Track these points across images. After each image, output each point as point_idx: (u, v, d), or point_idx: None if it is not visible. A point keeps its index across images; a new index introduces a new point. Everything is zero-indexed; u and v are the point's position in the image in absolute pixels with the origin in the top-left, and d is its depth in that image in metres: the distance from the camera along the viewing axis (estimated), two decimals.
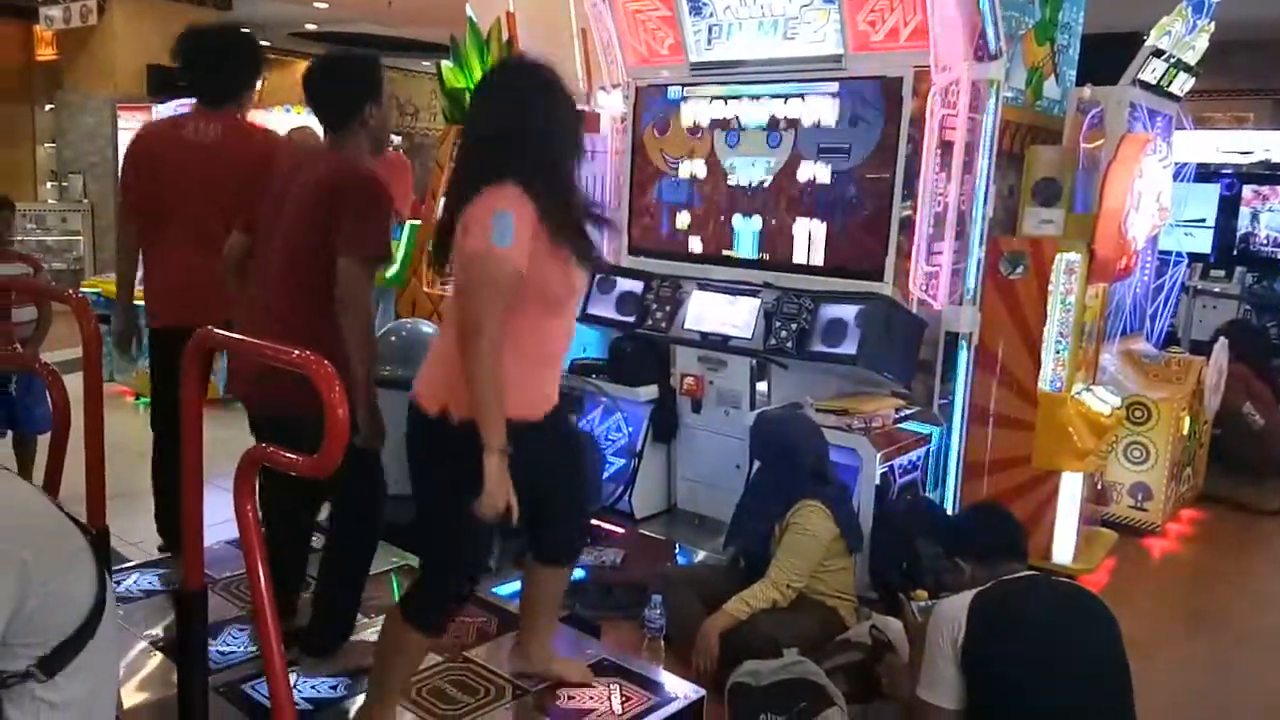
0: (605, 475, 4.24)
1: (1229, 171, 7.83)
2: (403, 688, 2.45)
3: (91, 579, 1.39)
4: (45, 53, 11.20)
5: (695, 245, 4.40)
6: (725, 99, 4.22)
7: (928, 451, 3.78)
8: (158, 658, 2.72)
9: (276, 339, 2.12)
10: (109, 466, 2.35)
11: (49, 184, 11.58)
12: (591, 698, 2.59)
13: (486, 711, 2.53)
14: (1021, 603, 2.32)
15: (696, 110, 4.31)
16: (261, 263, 2.65)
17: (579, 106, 2.36)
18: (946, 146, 3.63)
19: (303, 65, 15.00)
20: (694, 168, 4.35)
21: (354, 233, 2.47)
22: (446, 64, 5.16)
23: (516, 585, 3.53)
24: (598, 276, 4.51)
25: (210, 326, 2.06)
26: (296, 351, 1.81)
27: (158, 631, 2.84)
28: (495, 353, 2.07)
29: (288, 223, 2.56)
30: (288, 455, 1.81)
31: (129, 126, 9.40)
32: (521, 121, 2.19)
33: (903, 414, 3.79)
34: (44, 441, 3.19)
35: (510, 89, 2.27)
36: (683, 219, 4.43)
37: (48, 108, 11.77)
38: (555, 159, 2.23)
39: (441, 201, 2.31)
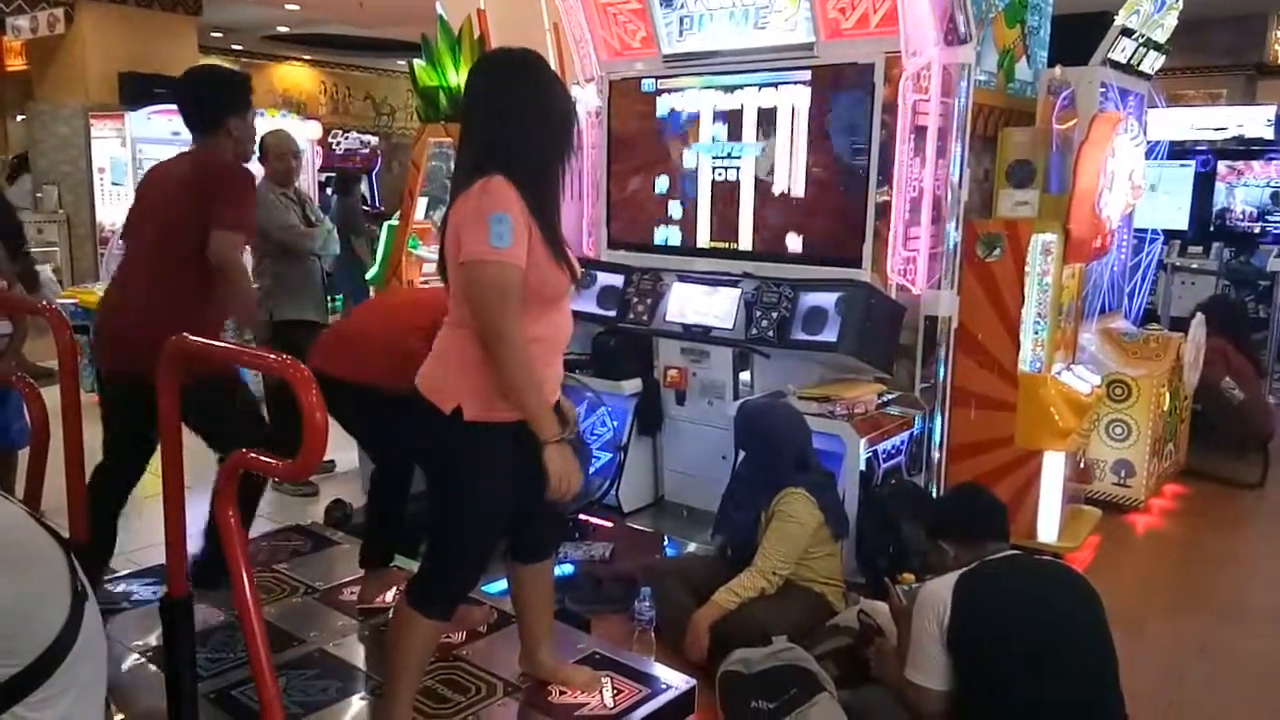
0: (592, 470, 4.25)
1: (1204, 148, 7.89)
2: (418, 680, 2.40)
3: (65, 593, 1.38)
4: (15, 63, 11.08)
5: (674, 237, 4.40)
6: (699, 90, 4.22)
7: (911, 436, 3.80)
8: (147, 667, 2.71)
9: (140, 322, 2.67)
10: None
11: None
12: (583, 692, 2.59)
13: (478, 709, 2.53)
14: (1005, 582, 2.34)
15: (671, 102, 4.32)
16: (132, 258, 3.06)
17: (571, 99, 2.35)
18: (920, 131, 3.64)
19: (276, 69, 15.01)
20: (669, 159, 4.36)
21: (226, 211, 2.83)
22: (419, 63, 5.13)
23: (505, 583, 3.55)
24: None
25: None
26: (273, 356, 1.81)
27: (146, 641, 2.83)
28: (524, 353, 2.10)
29: (158, 215, 2.94)
30: (266, 460, 1.80)
31: (102, 135, 9.32)
32: (506, 113, 2.16)
33: (885, 399, 3.80)
34: (25, 455, 3.17)
35: (494, 81, 2.23)
36: (660, 211, 4.43)
37: (19, 118, 11.65)
38: (543, 152, 2.20)
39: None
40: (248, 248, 3.45)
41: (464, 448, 2.20)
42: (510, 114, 2.17)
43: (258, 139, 3.31)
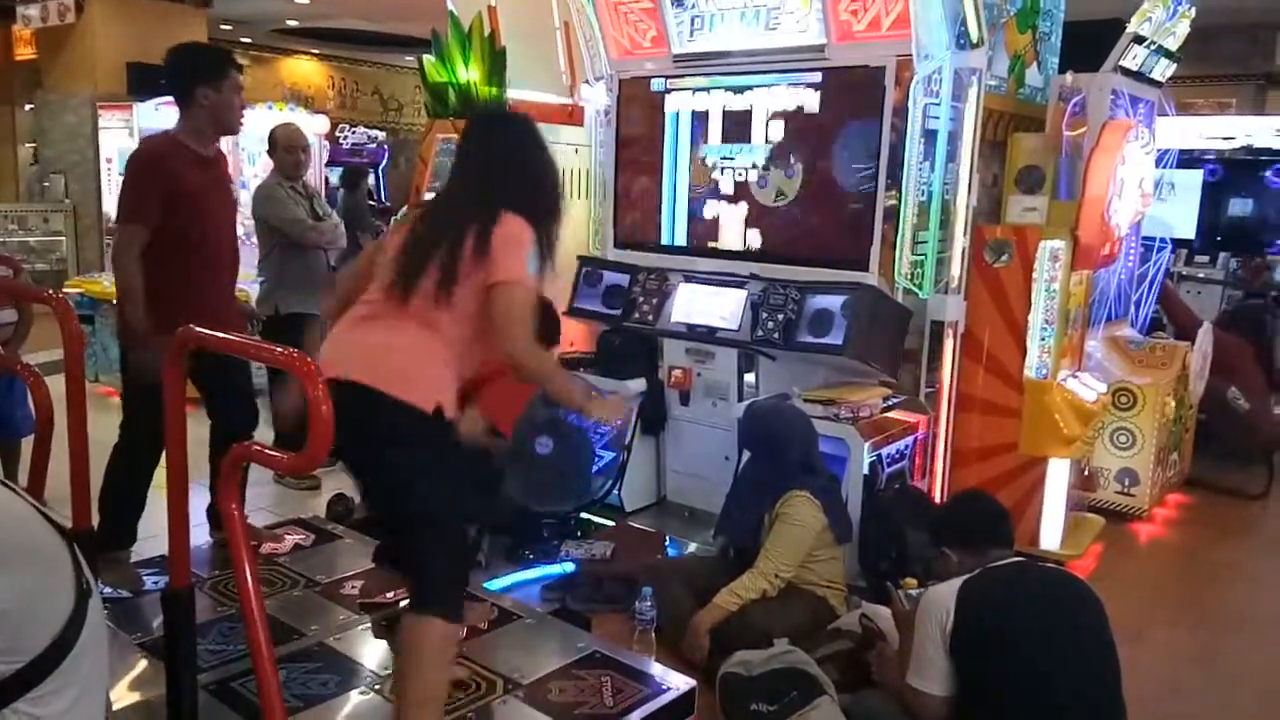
0: (594, 469, 4.24)
1: (1212, 158, 7.86)
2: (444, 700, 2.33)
3: (69, 589, 1.37)
4: (24, 52, 11.10)
5: (681, 237, 4.40)
6: (709, 90, 4.21)
7: (915, 440, 3.80)
8: (147, 658, 2.71)
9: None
10: (97, 467, 2.34)
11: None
12: (583, 690, 2.58)
13: (479, 706, 2.53)
14: (1008, 589, 2.33)
15: (680, 101, 4.31)
16: None
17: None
18: (930, 136, 3.63)
19: (285, 62, 15.03)
20: (678, 159, 4.35)
21: (120, 200, 3.06)
22: (428, 58, 5.13)
23: (508, 580, 3.55)
24: (585, 270, 4.52)
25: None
26: (279, 350, 1.80)
27: (146, 631, 2.83)
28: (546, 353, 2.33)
29: None
30: (270, 453, 1.80)
31: (110, 125, 9.32)
32: (542, 170, 2.44)
33: (890, 403, 3.80)
34: (29, 443, 3.17)
35: (534, 138, 2.45)
36: (668, 211, 4.42)
37: (27, 107, 11.67)
38: (557, 217, 2.44)
39: (429, 221, 2.37)
40: (255, 239, 3.50)
41: (446, 442, 2.28)
42: (536, 176, 2.41)
43: (242, 112, 3.28)
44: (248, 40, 14.04)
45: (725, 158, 4.20)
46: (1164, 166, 5.05)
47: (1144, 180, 4.26)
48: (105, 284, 6.48)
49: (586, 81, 4.59)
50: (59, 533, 1.40)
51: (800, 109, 3.95)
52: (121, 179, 3.13)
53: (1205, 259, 7.56)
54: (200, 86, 3.11)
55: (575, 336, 4.61)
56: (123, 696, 2.52)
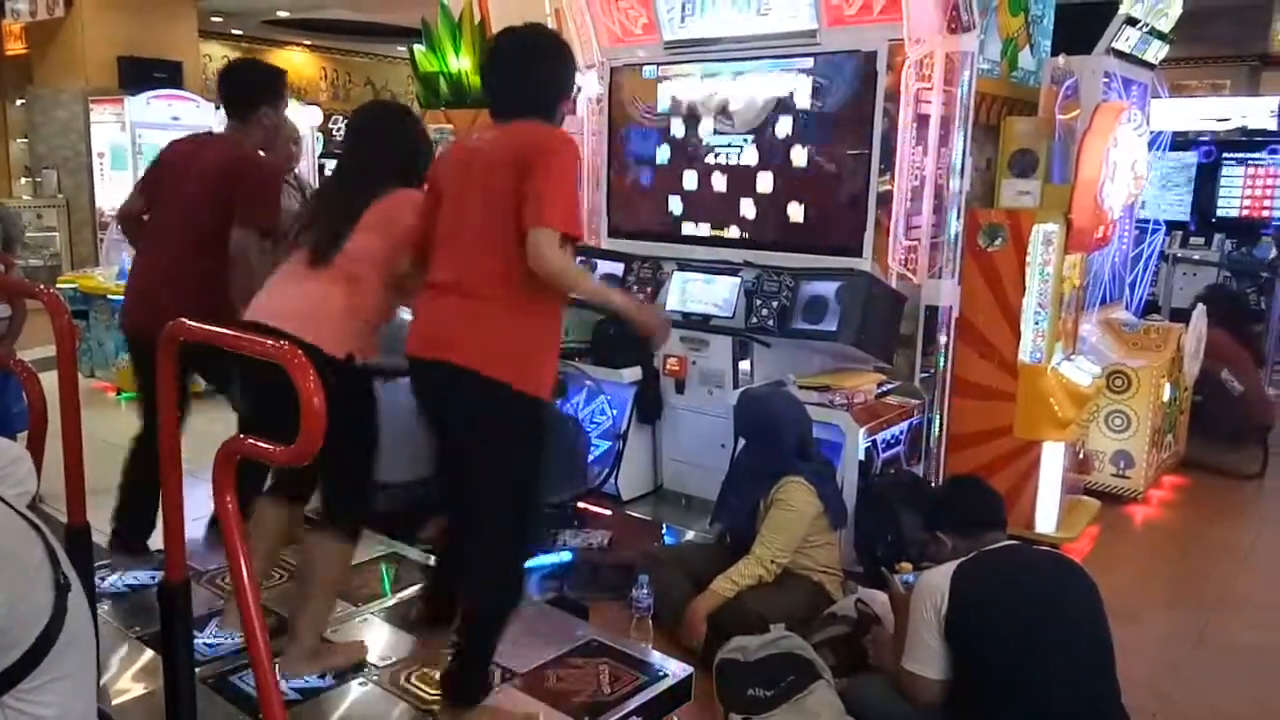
0: (591, 458, 4.25)
1: (1207, 139, 7.85)
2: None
3: (47, 591, 1.36)
4: (14, 47, 11.03)
5: (675, 225, 4.39)
6: (700, 77, 4.20)
7: (910, 425, 3.80)
8: (144, 652, 2.72)
9: (165, 287, 3.01)
10: (92, 463, 2.33)
11: (23, 180, 11.45)
12: (581, 678, 2.59)
13: None
14: (1003, 572, 2.34)
15: (672, 89, 4.30)
16: (159, 226, 3.24)
17: None
18: (922, 120, 3.63)
19: (276, 54, 14.94)
20: (670, 146, 4.34)
21: (248, 207, 3.03)
22: (419, 48, 5.12)
23: None
24: (579, 259, 4.52)
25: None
26: (271, 342, 1.80)
27: (144, 626, 2.83)
28: None
29: (191, 192, 3.10)
30: (265, 446, 1.80)
31: (101, 120, 9.28)
32: None
33: (884, 389, 3.80)
34: (24, 440, 3.17)
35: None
36: (661, 199, 4.42)
37: (19, 102, 11.61)
38: None
39: None
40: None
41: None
42: None
43: (288, 134, 3.55)
44: (238, 32, 13.96)
45: (718, 145, 4.19)
46: (1157, 149, 5.04)
47: (1137, 163, 4.25)
48: (99, 279, 6.46)
49: (578, 70, 4.57)
50: (34, 529, 1.40)
51: (792, 95, 3.94)
52: (246, 181, 3.13)
53: (1200, 241, 7.56)
54: (264, 106, 3.24)
55: (570, 326, 4.60)
56: (121, 691, 2.54)
